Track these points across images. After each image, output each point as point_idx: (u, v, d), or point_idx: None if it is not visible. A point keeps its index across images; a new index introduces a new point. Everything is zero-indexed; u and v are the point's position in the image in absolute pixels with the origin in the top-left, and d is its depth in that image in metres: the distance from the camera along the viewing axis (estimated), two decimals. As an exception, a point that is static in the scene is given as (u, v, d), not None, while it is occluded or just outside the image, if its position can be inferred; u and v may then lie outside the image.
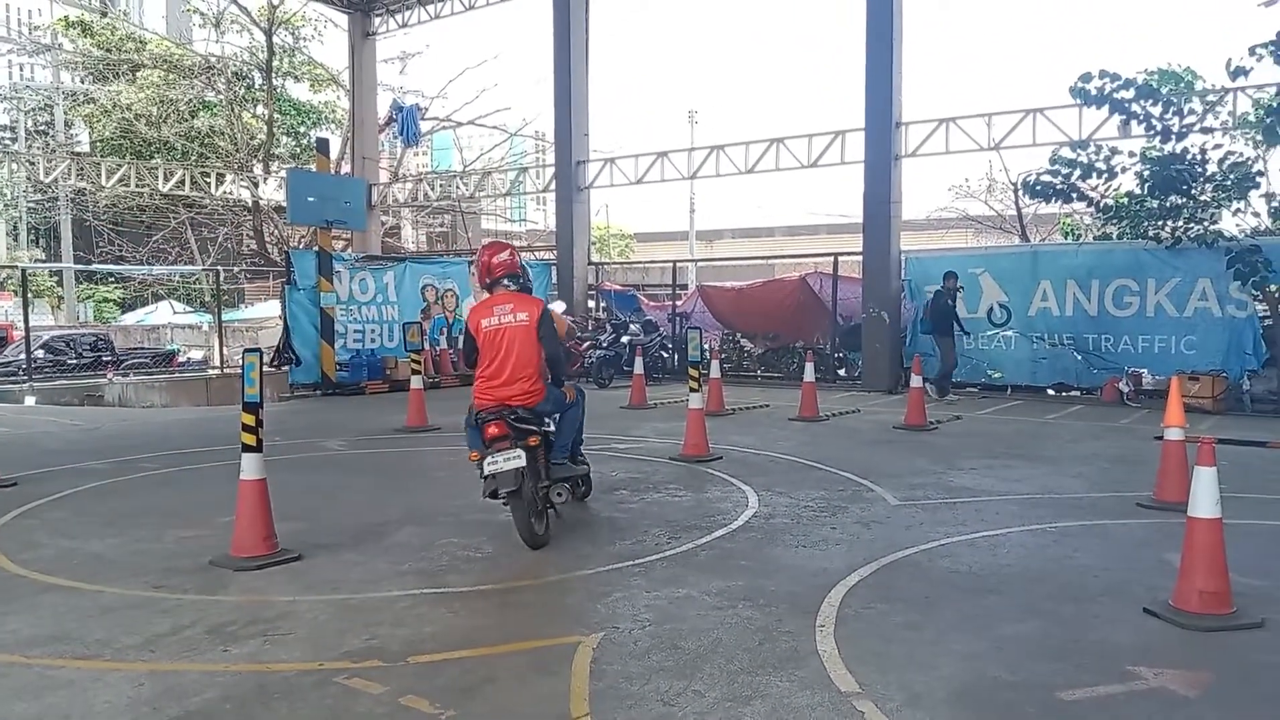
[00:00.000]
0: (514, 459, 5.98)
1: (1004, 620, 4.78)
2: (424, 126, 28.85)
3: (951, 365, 14.86)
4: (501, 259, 6.71)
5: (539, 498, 6.27)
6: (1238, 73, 12.24)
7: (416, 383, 12.18)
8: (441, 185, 26.82)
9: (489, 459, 6.04)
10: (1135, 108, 13.25)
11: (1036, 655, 4.31)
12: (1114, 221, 15.69)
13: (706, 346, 12.44)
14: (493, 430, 6.16)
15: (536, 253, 29.60)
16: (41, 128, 38.15)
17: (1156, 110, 13.21)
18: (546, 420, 6.61)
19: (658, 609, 4.94)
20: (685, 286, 24.17)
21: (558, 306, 7.67)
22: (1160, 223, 14.37)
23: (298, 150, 32.72)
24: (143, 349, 27.30)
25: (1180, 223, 14.08)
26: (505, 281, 6.67)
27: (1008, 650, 4.37)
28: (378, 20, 23.94)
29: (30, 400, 17.82)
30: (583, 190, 20.59)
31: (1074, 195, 14.66)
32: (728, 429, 11.66)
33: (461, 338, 6.98)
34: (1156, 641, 4.51)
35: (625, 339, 18.08)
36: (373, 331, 17.79)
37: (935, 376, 14.72)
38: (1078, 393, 15.38)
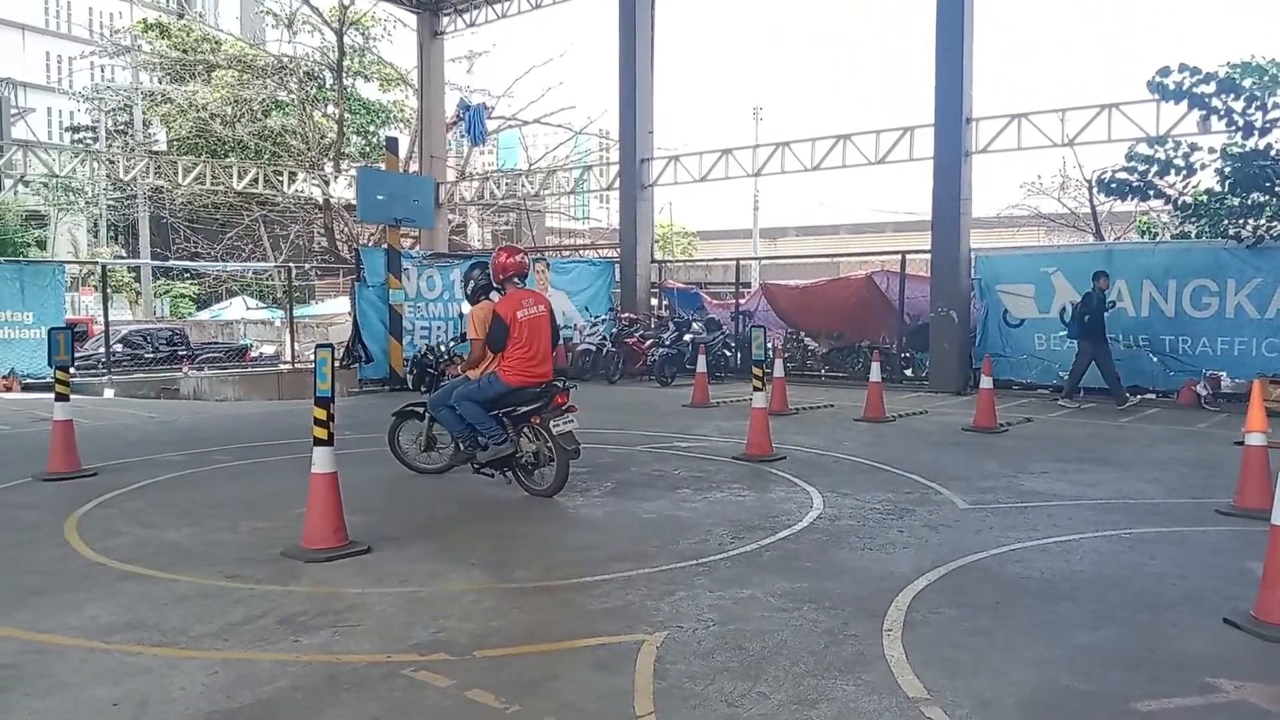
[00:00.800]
0: (573, 420, 7.61)
1: (1077, 628, 4.67)
2: (490, 125, 29.07)
3: (1111, 373, 13.85)
4: (518, 260, 7.83)
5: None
6: None
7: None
8: (507, 183, 27.06)
9: (560, 419, 7.54)
10: (1216, 102, 12.84)
11: (1110, 664, 4.20)
12: (1193, 220, 15.24)
13: (770, 345, 12.37)
14: (562, 399, 7.66)
15: (600, 251, 29.71)
16: (121, 127, 39.23)
17: (1238, 105, 12.79)
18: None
19: (722, 609, 4.92)
20: (748, 284, 24.09)
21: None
22: (1241, 221, 13.94)
23: (367, 149, 33.18)
24: (216, 344, 27.96)
25: (1263, 221, 13.65)
26: (516, 280, 7.77)
27: (1080, 658, 4.27)
28: (446, 20, 24.20)
29: (109, 393, 18.35)
30: (646, 188, 20.61)
31: (1151, 193, 14.26)
32: (791, 429, 11.58)
33: (490, 323, 7.60)
34: (1237, 653, 4.37)
35: (688, 337, 18.06)
36: (439, 328, 17.99)
37: (1071, 384, 14.16)
38: (1153, 395, 14.97)
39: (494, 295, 8.06)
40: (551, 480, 7.65)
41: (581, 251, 32.60)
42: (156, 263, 35.50)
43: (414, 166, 25.97)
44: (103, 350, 20.75)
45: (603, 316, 20.27)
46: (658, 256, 22.80)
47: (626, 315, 19.91)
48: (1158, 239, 19.51)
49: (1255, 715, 3.75)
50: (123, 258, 40.41)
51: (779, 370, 13.49)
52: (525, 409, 7.65)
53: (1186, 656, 4.31)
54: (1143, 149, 13.96)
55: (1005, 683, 3.99)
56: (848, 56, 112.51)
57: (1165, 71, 12.87)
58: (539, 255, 22.62)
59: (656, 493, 7.87)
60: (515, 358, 7.52)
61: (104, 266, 24.19)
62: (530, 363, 7.57)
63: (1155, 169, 13.72)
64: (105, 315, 21.55)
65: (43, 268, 20.38)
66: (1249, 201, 13.59)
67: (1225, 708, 3.80)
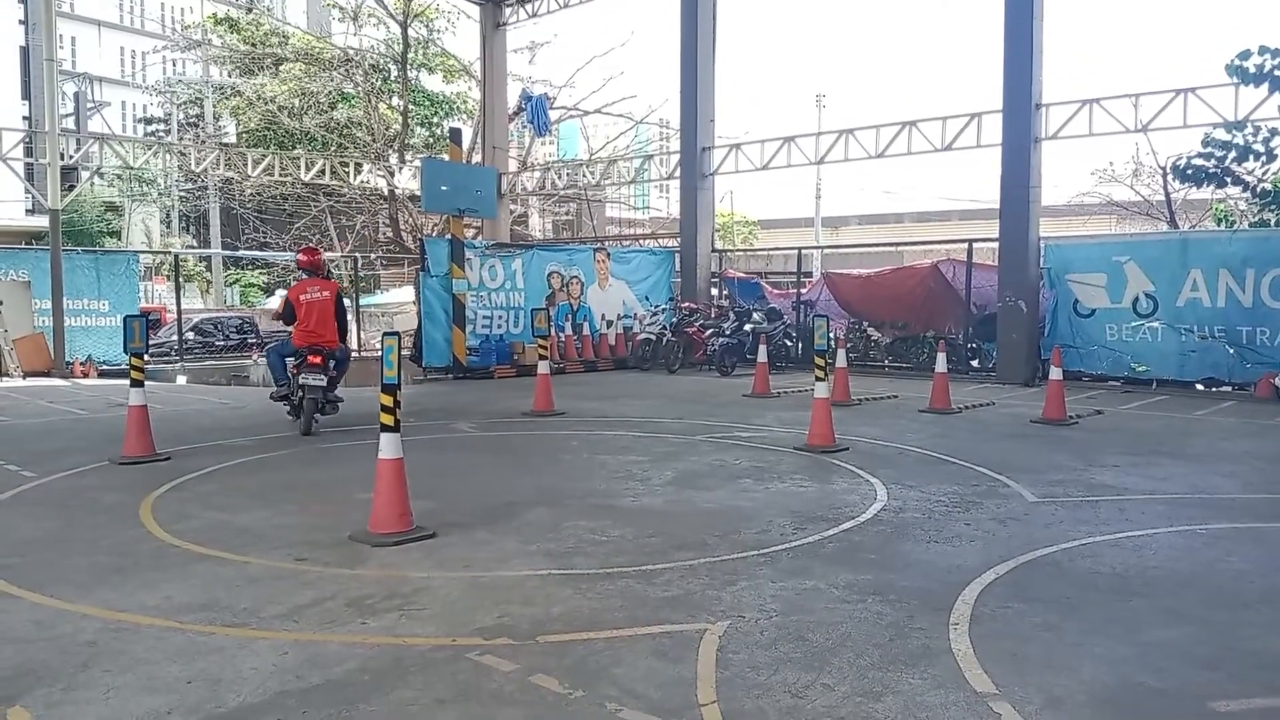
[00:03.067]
0: (320, 378, 10.12)
1: (1150, 624, 4.56)
2: (552, 115, 29.16)
3: None
4: (306, 259, 10.86)
5: (321, 405, 10.33)
6: None
7: (544, 368, 12.35)
8: (568, 174, 27.13)
9: (307, 374, 10.16)
10: (1299, 85, 12.44)
11: (1186, 662, 4.09)
12: (1272, 207, 14.78)
13: (832, 335, 12.25)
14: (314, 359, 10.14)
15: (660, 240, 29.66)
16: (192, 120, 40.15)
17: (1324, 88, 12.38)
18: (332, 361, 10.40)
19: (784, 600, 4.88)
20: (809, 274, 23.89)
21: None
22: (1324, 208, 13.48)
23: (431, 140, 33.49)
24: (285, 332, 28.49)
25: (1347, 208, 13.19)
26: (304, 273, 10.83)
27: (1154, 656, 4.16)
28: (508, 10, 24.31)
29: (181, 379, 18.83)
30: (707, 177, 20.52)
31: (1228, 179, 13.90)
32: (854, 420, 11.47)
33: (282, 305, 10.42)
34: (1321, 654, 4.23)
35: (748, 327, 17.97)
36: (500, 317, 18.14)
37: None
38: (1229, 388, 14.58)
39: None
40: (301, 421, 10.34)
41: (642, 241, 32.57)
42: (227, 252, 36.27)
43: (477, 157, 26.16)
44: (175, 338, 21.29)
45: (663, 306, 20.26)
46: (718, 246, 22.70)
47: (686, 305, 19.87)
48: (1235, 227, 18.94)
49: (1340, 718, 3.63)
50: (194, 248, 41.38)
51: (841, 360, 13.36)
52: (294, 362, 10.38)
53: (1267, 656, 4.18)
54: (1220, 134, 13.59)
55: (1076, 679, 3.90)
56: (913, 41, 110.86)
57: (1245, 54, 12.51)
58: (599, 245, 22.67)
59: (717, 482, 7.84)
60: (299, 328, 10.37)
61: (176, 256, 24.84)
62: (309, 333, 10.31)
63: (1233, 154, 13.36)
64: (178, 303, 22.11)
65: (117, 257, 20.98)
66: (1333, 188, 13.14)
67: (1308, 709, 3.68)
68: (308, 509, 6.87)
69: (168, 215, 43.42)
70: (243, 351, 23.25)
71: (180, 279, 24.45)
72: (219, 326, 25.07)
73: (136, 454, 8.75)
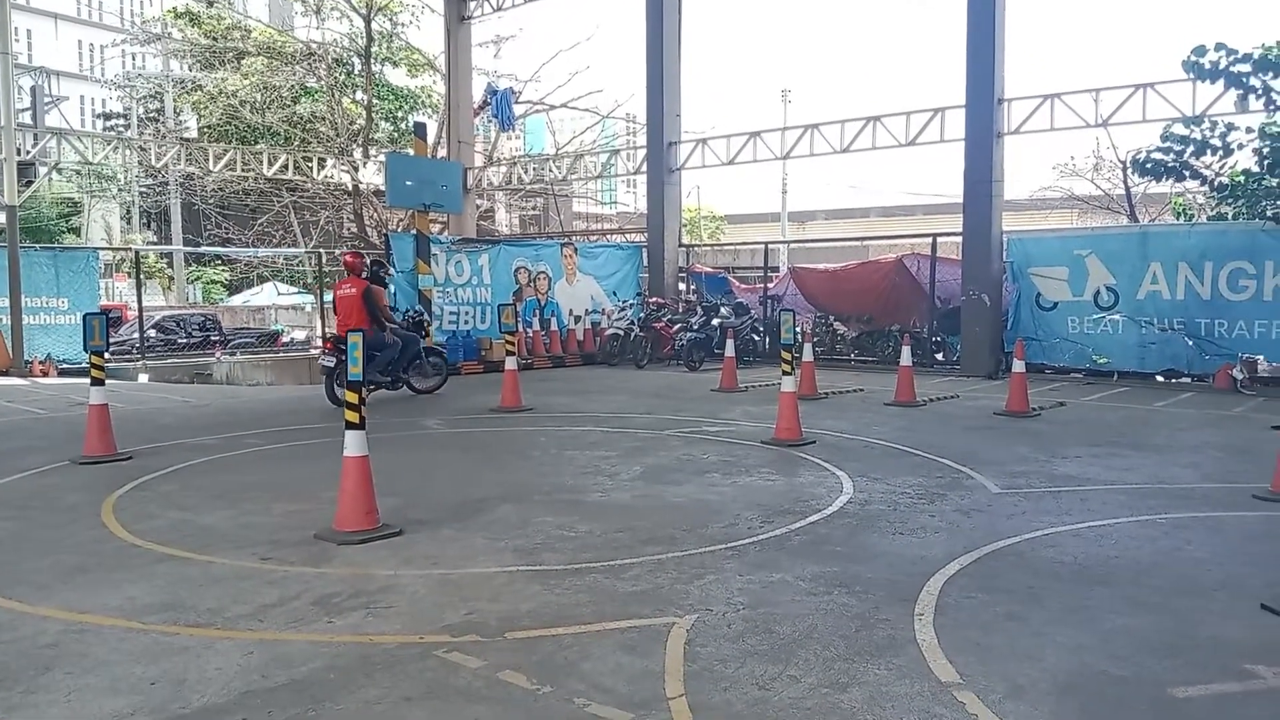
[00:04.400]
0: (329, 360, 12.13)
1: (1112, 613, 4.63)
2: (517, 110, 29.05)
3: None
4: (346, 260, 12.67)
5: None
6: None
7: (511, 364, 12.31)
8: (534, 168, 27.04)
9: (322, 357, 12.77)
10: (1254, 81, 12.58)
11: (1147, 650, 4.16)
12: (1229, 201, 14.97)
13: (799, 329, 12.31)
14: (327, 345, 12.66)
15: (627, 235, 29.66)
16: (152, 115, 39.57)
17: (1277, 84, 12.55)
18: (372, 349, 11.52)
19: (751, 593, 4.91)
20: (776, 269, 23.98)
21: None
22: (1279, 202, 13.68)
23: (395, 135, 33.28)
24: (248, 329, 28.26)
25: (1302, 202, 13.39)
26: (346, 272, 12.52)
27: (1116, 644, 4.23)
28: (473, 4, 24.16)
29: (143, 378, 18.58)
30: (674, 172, 20.53)
31: (1187, 173, 14.01)
32: (821, 413, 11.54)
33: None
34: (1275, 639, 4.31)
35: (716, 321, 18.00)
36: (467, 313, 18.05)
37: None
38: (1188, 379, 14.81)
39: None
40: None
41: (609, 236, 32.56)
42: (189, 249, 35.84)
43: (442, 152, 26.02)
44: (137, 336, 21.02)
45: (630, 301, 20.26)
46: (685, 241, 22.72)
47: (654, 300, 19.88)
48: (1194, 221, 19.23)
49: (1294, 702, 3.71)
50: (155, 244, 40.83)
51: (808, 355, 13.43)
52: None
53: (1224, 642, 4.26)
54: (1178, 129, 13.71)
55: (1039, 667, 3.96)
56: (877, 37, 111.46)
57: (1201, 51, 12.63)
58: (566, 240, 22.63)
59: (685, 477, 7.87)
60: (336, 320, 12.55)
61: (137, 253, 24.50)
62: (339, 324, 12.46)
63: (1191, 149, 13.47)
64: (139, 301, 21.83)
65: (77, 254, 20.64)
66: (1287, 182, 13.33)
67: (1264, 694, 3.75)
68: (272, 508, 6.81)
69: (128, 211, 42.77)
70: (206, 349, 22.99)
71: (141, 276, 24.13)
72: (181, 324, 24.79)
73: (98, 453, 8.64)
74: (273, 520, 6.47)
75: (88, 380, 8.89)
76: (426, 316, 15.33)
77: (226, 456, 8.99)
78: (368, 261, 12.95)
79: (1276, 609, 4.58)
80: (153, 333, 22.65)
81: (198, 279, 40.78)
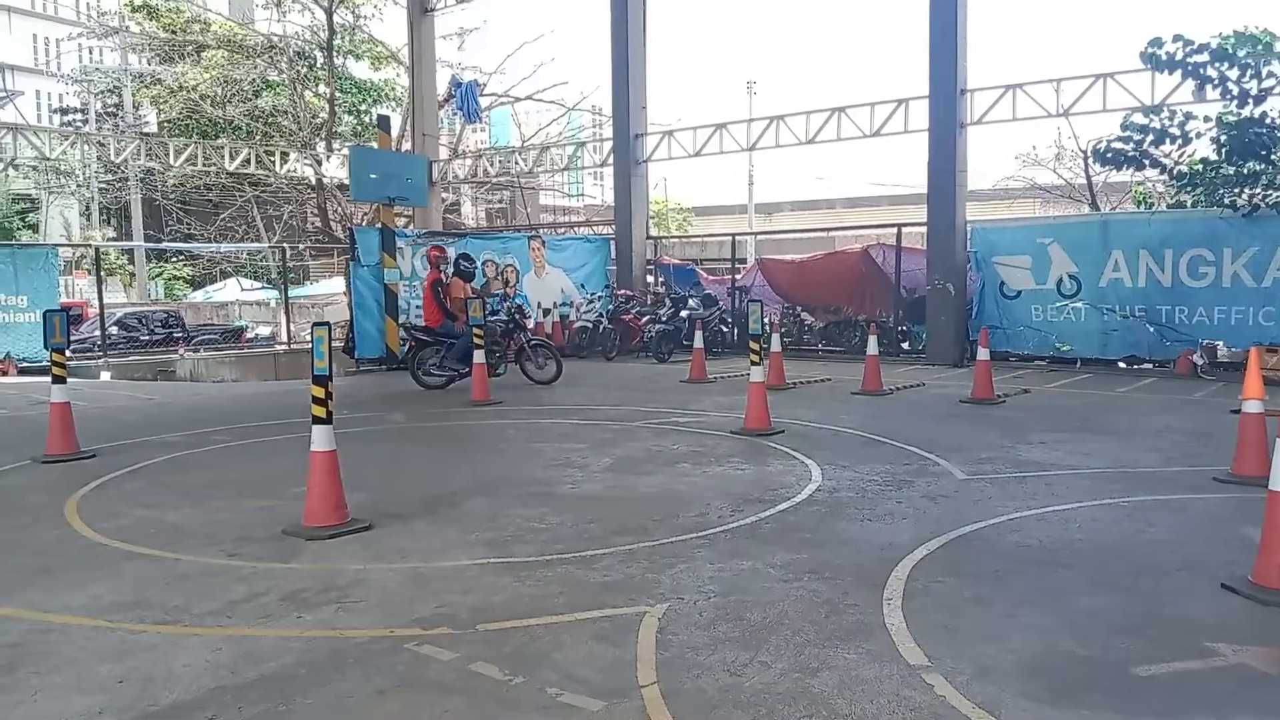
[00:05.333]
0: (403, 347, 13.33)
1: (1076, 595, 4.70)
2: (483, 102, 28.92)
3: None
4: (428, 254, 14.26)
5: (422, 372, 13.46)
6: None
7: (479, 357, 12.27)
8: (500, 161, 26.93)
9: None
10: (1210, 71, 12.79)
11: (1110, 630, 4.23)
12: (1188, 189, 15.19)
13: (767, 320, 12.36)
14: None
15: (595, 228, 29.63)
16: (110, 110, 38.94)
17: (1233, 74, 12.74)
18: (440, 336, 13.32)
19: (722, 581, 4.94)
20: (744, 260, 24.06)
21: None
22: (1237, 190, 13.91)
23: (359, 128, 33.01)
24: (212, 325, 27.91)
25: (1258, 189, 13.62)
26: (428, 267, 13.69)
27: (1080, 625, 4.29)
28: (436, -3, 24.01)
29: (105, 375, 18.33)
30: (641, 164, 20.52)
31: (1146, 162, 14.21)
32: (789, 403, 11.59)
33: None
34: (1235, 618, 4.40)
35: (684, 313, 18.04)
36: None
37: None
38: (1150, 365, 15.03)
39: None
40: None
41: (576, 229, 32.50)
42: (150, 245, 35.34)
43: (406, 145, 25.85)
44: (98, 333, 20.69)
45: (599, 293, 20.24)
46: (653, 233, 22.73)
47: (623, 292, 19.88)
48: (1154, 209, 19.50)
49: (1254, 679, 3.78)
50: (115, 240, 40.24)
51: (776, 345, 13.49)
52: None
53: (1186, 622, 4.34)
54: (1138, 118, 13.89)
55: (1005, 649, 4.01)
56: (842, 28, 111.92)
57: (1158, 42, 12.81)
58: (534, 233, 22.56)
59: (656, 467, 7.89)
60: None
61: (97, 249, 24.09)
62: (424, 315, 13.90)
63: (1151, 138, 13.66)
64: (100, 298, 21.48)
65: (35, 251, 20.30)
66: (1244, 170, 13.56)
67: (1224, 671, 3.82)
68: (239, 504, 6.76)
69: (87, 208, 42.07)
70: (169, 346, 22.69)
71: (102, 273, 23.76)
72: (143, 321, 24.43)
73: (60, 452, 8.53)
74: (240, 517, 6.42)
75: (49, 378, 8.76)
76: (527, 307, 15.71)
77: (192, 453, 8.90)
78: (449, 255, 14.03)
79: (1236, 588, 4.67)
80: (114, 330, 22.31)
81: (159, 275, 40.23)
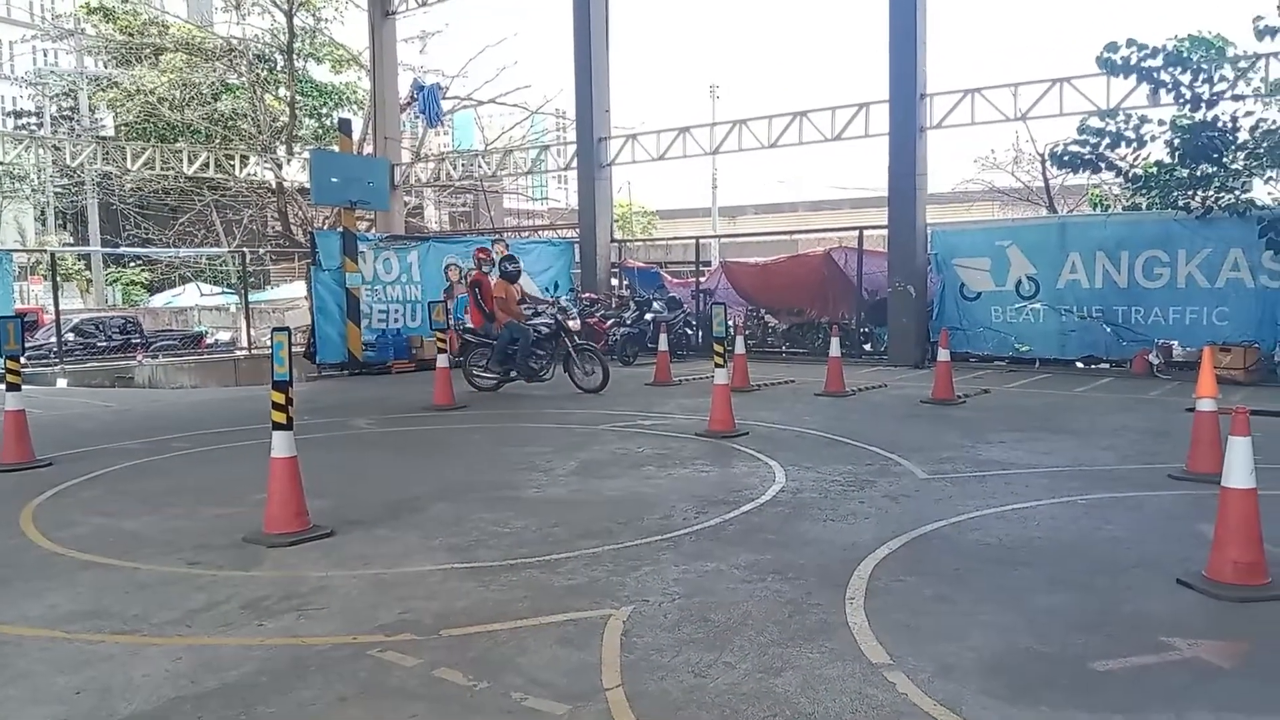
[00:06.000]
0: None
1: (1035, 592, 4.76)
2: (445, 106, 28.81)
3: None
4: (477, 255, 13.59)
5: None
6: (1265, 32, 11.98)
7: (443, 361, 12.21)
8: (463, 165, 26.83)
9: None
10: (1164, 76, 13.03)
11: (1069, 627, 4.29)
12: (1143, 192, 15.46)
13: (731, 322, 12.41)
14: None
15: (559, 231, 29.59)
16: (66, 113, 38.39)
17: (1186, 78, 12.99)
18: (482, 337, 13.13)
19: (687, 582, 4.95)
20: (708, 263, 24.14)
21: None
22: (1191, 192, 14.15)
23: (320, 132, 32.76)
24: (171, 331, 27.55)
25: (1211, 192, 13.87)
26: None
27: (1039, 622, 4.35)
28: (398, 0, 23.90)
29: (62, 383, 18.04)
30: (604, 167, 20.53)
31: (1102, 165, 14.46)
32: (753, 405, 11.65)
33: None
34: (1190, 613, 4.48)
35: (649, 316, 18.07)
36: (397, 311, 17.86)
37: None
38: (1107, 365, 15.25)
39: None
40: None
41: (540, 232, 32.45)
42: (107, 250, 34.87)
43: (368, 149, 25.69)
44: (54, 339, 20.37)
45: (563, 297, 20.19)
46: (617, 236, 22.74)
47: (587, 295, 19.85)
48: (1109, 211, 19.80)
49: (1208, 672, 3.85)
50: (72, 245, 39.63)
51: (740, 347, 13.54)
52: None
53: (1142, 617, 4.41)
54: (1094, 122, 14.12)
55: (966, 647, 4.06)
56: (803, 33, 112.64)
57: (1114, 47, 13.03)
58: (498, 236, 22.48)
59: (621, 470, 7.90)
60: None
61: (53, 254, 23.73)
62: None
63: (1106, 142, 13.90)
64: (56, 304, 21.15)
65: (-11, 257, 19.92)
66: (1197, 173, 13.80)
67: (1179, 665, 3.89)
68: (199, 512, 6.67)
69: (42, 212, 41.43)
70: (127, 352, 22.36)
71: (58, 278, 23.39)
72: (101, 327, 24.05)
73: (15, 461, 8.39)
74: (199, 524, 6.34)
75: (2, 386, 8.61)
76: (572, 309, 14.91)
77: (151, 461, 8.78)
78: (495, 257, 13.56)
79: (1191, 583, 4.76)
80: (71, 336, 21.95)
81: (117, 280, 39.67)
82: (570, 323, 13.28)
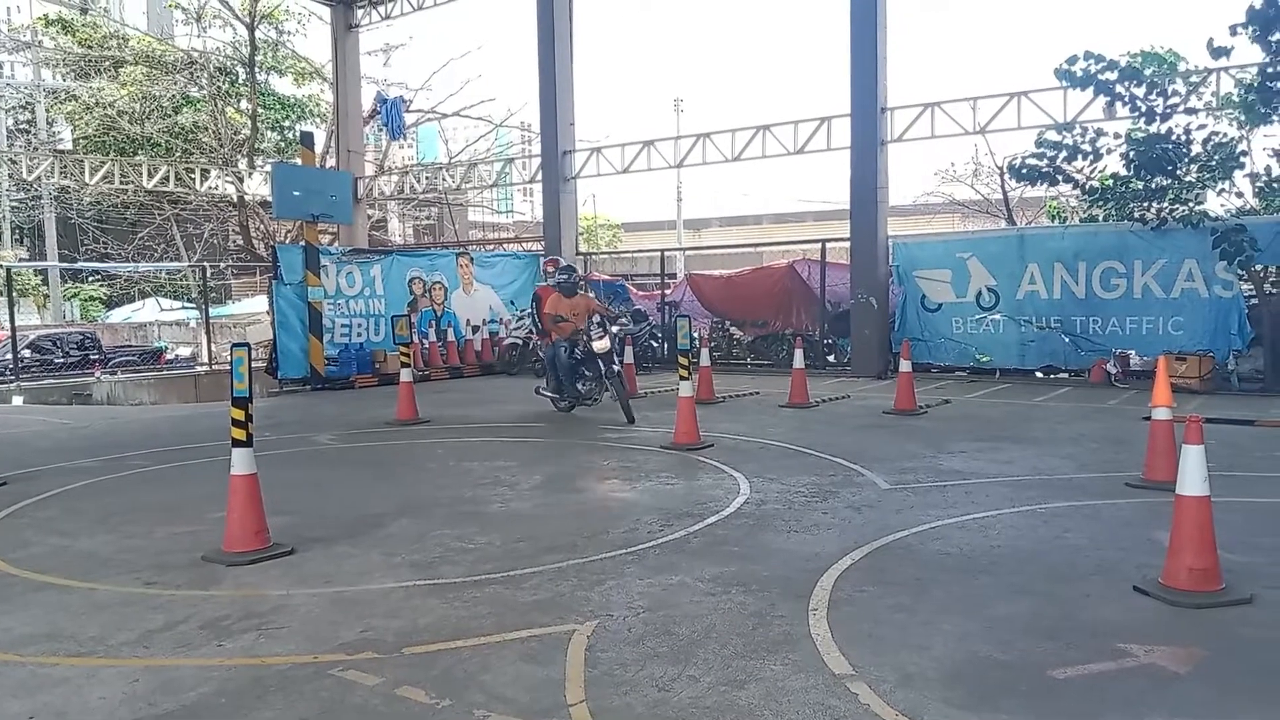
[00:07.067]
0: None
1: (995, 601, 4.81)
2: (408, 119, 28.71)
3: None
4: (546, 267, 13.54)
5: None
6: (1219, 52, 12.25)
7: (406, 376, 12.14)
8: (427, 178, 26.74)
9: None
10: (1119, 89, 13.29)
11: (1028, 634, 4.33)
12: (1100, 203, 15.72)
13: (696, 335, 12.44)
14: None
15: (524, 244, 29.54)
16: (22, 126, 37.86)
17: (1140, 91, 13.25)
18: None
19: (651, 596, 4.95)
20: (674, 275, 24.20)
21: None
22: (1146, 204, 14.41)
23: (282, 145, 32.52)
24: (130, 347, 27.18)
25: (1166, 203, 14.12)
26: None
27: (999, 630, 4.39)
28: (360, 12, 23.81)
29: (18, 400, 17.75)
30: (569, 180, 20.55)
31: (1060, 177, 14.71)
32: (718, 417, 11.68)
33: None
34: (1147, 619, 4.54)
35: (614, 329, 18.01)
36: (360, 325, 17.73)
37: None
38: (1066, 375, 15.45)
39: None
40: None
41: (505, 245, 32.38)
42: (64, 265, 34.34)
43: (331, 162, 25.54)
44: (10, 357, 20.00)
45: (528, 310, 20.14)
46: (583, 249, 22.75)
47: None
48: (1067, 223, 20.10)
49: (1164, 677, 3.91)
50: (28, 260, 39.01)
51: (705, 359, 13.59)
52: None
53: (1099, 624, 4.46)
54: (1051, 135, 14.35)
55: (928, 656, 4.09)
56: (766, 48, 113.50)
57: (1072, 60, 13.26)
58: (462, 249, 22.42)
59: (586, 484, 7.89)
60: None
61: (9, 270, 23.29)
62: None
63: (1063, 154, 14.13)
64: (11, 320, 20.78)
65: (-58, 272, 19.58)
66: (1152, 185, 14.05)
67: (1136, 671, 3.94)
68: (157, 531, 6.58)
69: (-2, 227, 40.81)
70: (85, 369, 22.03)
71: (14, 294, 23.00)
72: (58, 343, 23.68)
73: (-33, 481, 8.23)
74: (157, 543, 6.25)
75: (-45, 404, 8.46)
76: (625, 320, 14.26)
77: (108, 479, 8.65)
78: (561, 268, 12.64)
79: (1147, 590, 4.82)
80: (27, 353, 21.59)
81: (75, 296, 39.10)
82: (596, 343, 11.61)
